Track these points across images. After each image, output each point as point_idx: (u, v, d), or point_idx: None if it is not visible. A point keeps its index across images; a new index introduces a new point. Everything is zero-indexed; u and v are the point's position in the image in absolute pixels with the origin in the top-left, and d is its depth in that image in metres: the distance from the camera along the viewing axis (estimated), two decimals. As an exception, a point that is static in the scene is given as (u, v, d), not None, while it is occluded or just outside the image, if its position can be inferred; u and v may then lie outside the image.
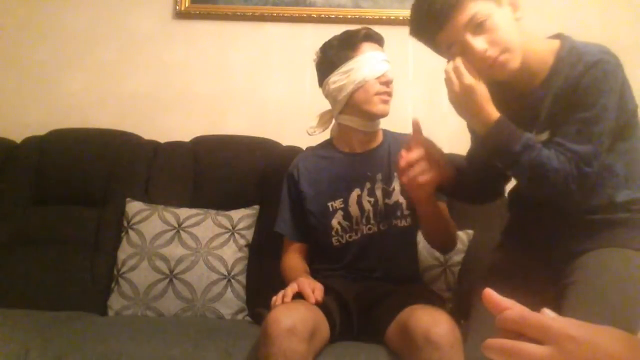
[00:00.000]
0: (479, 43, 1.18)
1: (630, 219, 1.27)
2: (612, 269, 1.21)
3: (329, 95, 1.62)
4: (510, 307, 0.49)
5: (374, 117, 1.59)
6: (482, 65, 1.20)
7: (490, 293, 0.50)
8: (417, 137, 1.33)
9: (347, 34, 1.60)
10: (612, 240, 1.26)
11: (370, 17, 2.23)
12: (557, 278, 1.29)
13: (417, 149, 1.31)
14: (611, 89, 1.16)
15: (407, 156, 1.31)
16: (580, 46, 1.22)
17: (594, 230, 1.27)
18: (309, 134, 1.69)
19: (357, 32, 1.58)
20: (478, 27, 1.18)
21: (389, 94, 1.57)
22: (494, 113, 1.21)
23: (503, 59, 1.19)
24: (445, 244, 1.61)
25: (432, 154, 1.32)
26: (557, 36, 1.28)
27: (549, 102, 1.22)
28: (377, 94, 1.55)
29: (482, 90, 1.21)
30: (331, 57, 1.58)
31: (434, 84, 2.26)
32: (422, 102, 2.21)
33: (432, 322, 1.20)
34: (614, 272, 1.21)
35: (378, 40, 1.60)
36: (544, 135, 1.23)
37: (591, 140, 1.16)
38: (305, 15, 2.27)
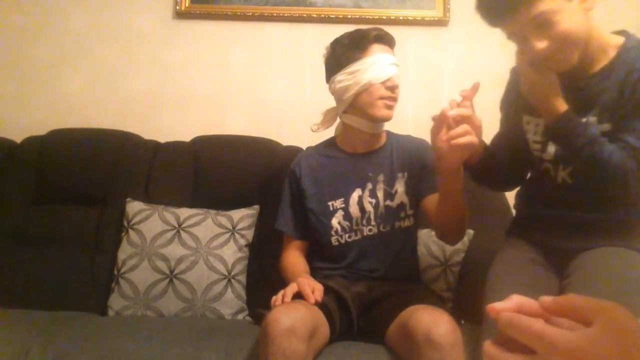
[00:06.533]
0: (539, 42, 1.18)
1: (630, 219, 1.28)
2: (609, 269, 1.21)
3: (334, 93, 1.61)
4: (508, 308, 0.48)
5: (376, 121, 1.59)
6: (539, 60, 1.21)
7: (492, 307, 0.49)
8: (470, 96, 1.25)
9: (357, 33, 1.58)
10: (611, 239, 1.26)
11: (370, 17, 2.23)
12: (559, 277, 1.30)
13: (467, 107, 1.24)
14: None
15: (459, 110, 1.22)
16: None
17: (593, 229, 1.28)
18: (313, 131, 1.69)
19: (367, 32, 1.56)
20: (542, 24, 1.17)
21: (394, 99, 1.56)
22: (560, 106, 1.23)
23: (561, 56, 1.20)
24: (457, 231, 1.52)
25: (474, 122, 1.24)
26: (622, 32, 1.29)
27: (611, 91, 1.23)
28: (382, 98, 1.54)
29: (549, 85, 1.23)
30: (339, 56, 1.57)
31: (434, 84, 2.27)
32: (423, 102, 2.21)
33: (432, 322, 1.20)
34: (612, 272, 1.21)
35: (388, 42, 1.58)
36: (606, 127, 1.23)
37: None
38: (305, 15, 2.27)
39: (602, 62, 1.25)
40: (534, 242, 1.38)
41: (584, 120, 1.24)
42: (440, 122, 1.23)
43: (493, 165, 1.40)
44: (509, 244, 1.43)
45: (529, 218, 1.42)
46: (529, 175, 1.48)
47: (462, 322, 1.40)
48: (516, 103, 1.39)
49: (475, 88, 1.25)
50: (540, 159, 1.38)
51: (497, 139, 1.41)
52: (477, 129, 1.23)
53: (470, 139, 1.21)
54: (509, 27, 1.22)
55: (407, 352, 1.25)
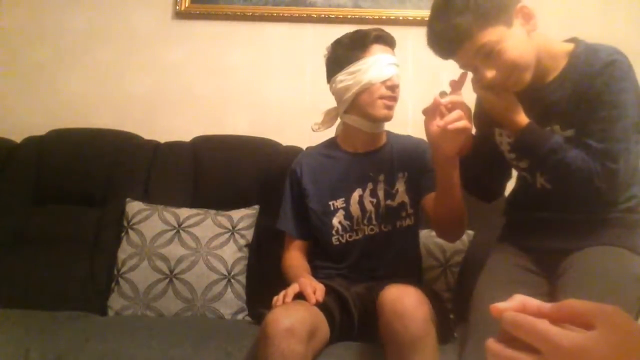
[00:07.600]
0: (489, 71, 1.23)
1: (623, 218, 1.28)
2: (598, 268, 1.22)
3: (335, 93, 1.62)
4: (510, 307, 0.48)
5: (376, 121, 1.59)
6: (493, 86, 1.26)
7: (495, 307, 0.49)
8: (459, 85, 1.29)
9: (358, 33, 1.59)
10: (598, 238, 1.27)
11: (370, 17, 2.22)
12: (549, 280, 1.30)
13: (458, 94, 1.27)
14: (629, 87, 1.20)
15: (451, 97, 1.25)
16: (594, 45, 1.26)
17: (579, 230, 1.29)
18: (313, 130, 1.69)
19: (368, 32, 1.57)
20: (488, 54, 1.21)
21: (394, 99, 1.57)
22: (521, 121, 1.27)
23: (512, 81, 1.24)
24: (455, 228, 1.53)
25: (465, 109, 1.27)
26: (572, 40, 1.32)
27: (568, 97, 1.25)
28: (382, 97, 1.54)
29: (507, 104, 1.27)
30: (340, 56, 1.58)
31: (433, 84, 2.27)
32: (422, 102, 2.21)
33: (399, 295, 1.23)
34: (601, 271, 1.21)
35: (389, 42, 1.59)
36: (570, 132, 1.26)
37: (615, 137, 1.19)
38: (305, 15, 2.27)
39: (556, 71, 1.29)
40: (524, 247, 1.38)
41: (547, 129, 1.28)
42: (433, 111, 1.26)
43: (473, 164, 1.41)
44: (497, 252, 1.44)
45: (518, 223, 1.44)
46: (515, 183, 1.49)
47: (462, 323, 1.40)
48: (486, 119, 1.40)
49: (463, 77, 1.29)
50: (517, 167, 1.41)
51: (474, 151, 1.42)
52: (468, 117, 1.27)
53: (465, 123, 1.24)
54: (459, 60, 1.27)
55: (384, 334, 1.26)
